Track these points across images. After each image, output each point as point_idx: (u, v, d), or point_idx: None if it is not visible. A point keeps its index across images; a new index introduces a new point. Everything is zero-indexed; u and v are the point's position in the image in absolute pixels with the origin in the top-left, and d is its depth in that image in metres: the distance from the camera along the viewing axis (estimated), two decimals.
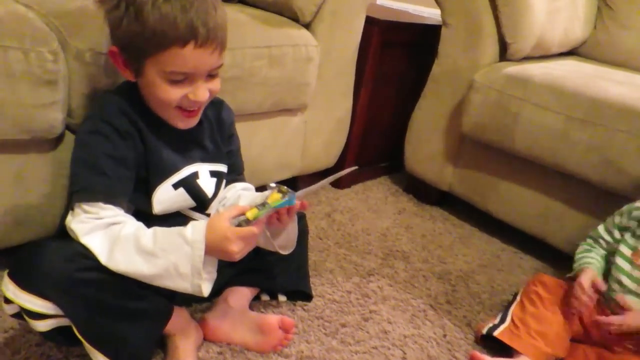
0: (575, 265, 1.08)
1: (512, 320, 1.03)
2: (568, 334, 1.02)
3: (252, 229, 0.78)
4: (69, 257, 0.73)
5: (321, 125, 1.45)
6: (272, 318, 0.95)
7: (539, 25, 1.41)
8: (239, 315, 0.97)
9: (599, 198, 1.25)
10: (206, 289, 0.77)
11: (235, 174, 1.01)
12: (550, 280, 1.08)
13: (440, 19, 1.51)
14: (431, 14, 1.66)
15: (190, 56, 0.76)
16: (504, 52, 1.44)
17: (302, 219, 1.05)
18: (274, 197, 0.82)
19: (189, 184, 0.90)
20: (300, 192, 0.84)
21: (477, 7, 1.40)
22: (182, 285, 0.76)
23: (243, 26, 1.15)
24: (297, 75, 1.26)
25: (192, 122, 0.87)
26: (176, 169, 0.88)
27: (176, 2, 0.74)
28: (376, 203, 1.61)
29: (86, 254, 0.75)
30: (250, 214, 0.78)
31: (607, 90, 1.22)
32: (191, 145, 0.91)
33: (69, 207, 0.80)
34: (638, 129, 1.14)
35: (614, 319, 0.95)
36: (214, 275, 0.79)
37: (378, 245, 1.36)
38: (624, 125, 1.15)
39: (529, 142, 1.30)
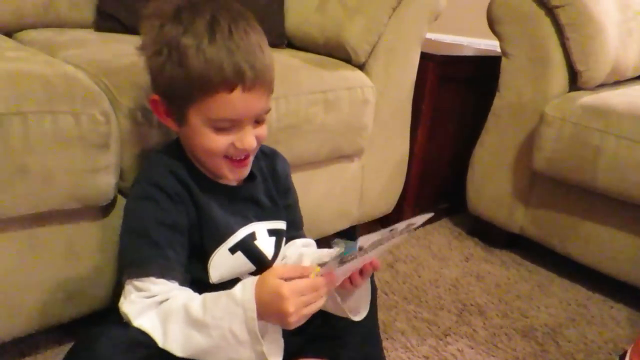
0: None
1: None
2: None
3: (315, 282, 0.67)
4: (126, 347, 0.65)
5: (379, 170, 1.36)
6: None
7: (613, 50, 1.29)
8: None
9: None
10: (273, 357, 0.67)
11: (294, 230, 0.93)
12: None
13: (498, 49, 1.42)
14: (487, 45, 1.57)
15: (237, 101, 0.69)
16: (574, 81, 1.33)
17: (371, 279, 0.94)
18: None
19: (247, 247, 0.81)
20: (364, 239, 0.71)
21: (542, 34, 1.30)
22: (245, 354, 0.66)
23: (296, 71, 1.09)
24: (353, 120, 1.18)
25: (243, 173, 0.79)
26: (232, 231, 0.80)
27: (222, 44, 0.68)
28: (440, 249, 1.48)
29: (144, 341, 0.66)
30: (313, 275, 0.67)
31: None
32: (246, 203, 0.83)
33: (120, 282, 0.72)
34: None
35: None
36: (280, 342, 0.69)
37: (450, 299, 1.24)
38: None
39: (614, 178, 1.16)
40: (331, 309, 0.81)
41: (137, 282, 0.70)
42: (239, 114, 0.71)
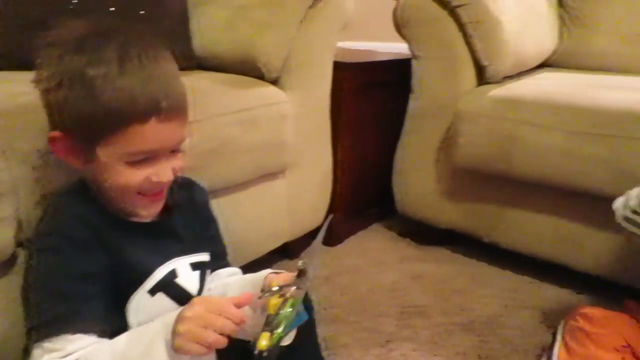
0: None
1: None
2: None
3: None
4: None
5: (305, 184, 1.34)
6: None
7: (513, 43, 1.35)
8: None
9: None
10: None
11: (218, 261, 0.88)
12: (593, 311, 0.96)
13: (408, 52, 1.45)
14: (398, 48, 1.60)
15: (152, 133, 0.65)
16: (481, 76, 1.38)
17: (307, 299, 0.91)
18: (272, 303, 0.66)
19: (168, 286, 0.76)
20: (303, 285, 0.69)
21: (447, 34, 1.34)
22: None
23: (208, 94, 1.05)
24: (273, 137, 1.16)
25: (157, 208, 0.75)
26: (150, 272, 0.74)
27: (133, 73, 0.63)
28: (375, 255, 1.49)
29: None
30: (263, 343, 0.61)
31: (606, 98, 1.16)
32: (164, 239, 0.78)
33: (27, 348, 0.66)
34: None
35: None
36: None
37: (389, 304, 1.24)
38: (633, 132, 1.08)
39: (530, 164, 1.21)
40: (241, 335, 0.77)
41: (48, 344, 0.63)
42: (155, 147, 0.67)
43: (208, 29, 1.26)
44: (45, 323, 0.64)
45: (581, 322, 0.95)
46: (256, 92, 1.14)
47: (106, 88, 0.62)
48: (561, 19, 1.70)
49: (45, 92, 0.66)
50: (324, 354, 0.98)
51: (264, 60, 1.17)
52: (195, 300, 0.65)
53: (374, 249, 1.52)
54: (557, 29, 1.69)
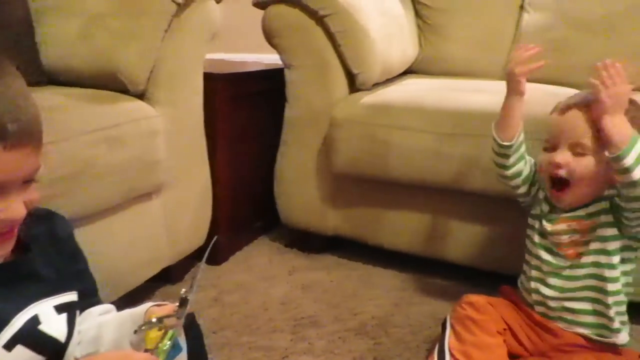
0: None
1: (453, 356, 0.95)
2: (507, 354, 0.97)
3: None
4: None
5: (183, 203, 1.26)
6: None
7: (380, 52, 1.41)
8: None
9: (486, 205, 1.25)
10: None
11: (88, 298, 0.78)
12: (477, 299, 1.01)
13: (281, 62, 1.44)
14: (270, 59, 1.58)
15: (1, 163, 0.56)
16: (353, 84, 1.41)
17: (193, 319, 0.84)
18: (151, 336, 0.62)
19: (29, 336, 0.65)
20: (181, 314, 0.64)
21: (317, 43, 1.36)
22: None
23: (65, 111, 0.94)
24: (143, 154, 1.07)
25: (8, 248, 0.64)
26: (5, 322, 0.63)
27: None
28: (263, 269, 1.45)
29: None
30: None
31: (468, 101, 1.25)
32: (21, 282, 0.67)
33: None
34: None
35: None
36: None
37: (282, 318, 1.21)
38: (490, 130, 1.17)
39: (404, 166, 1.27)
40: None
41: None
42: (2, 178, 0.57)
43: (58, 39, 1.14)
44: None
45: (467, 310, 0.99)
46: (120, 107, 1.05)
47: None
48: (419, 28, 1.81)
49: None
50: None
51: (127, 73, 1.08)
52: None
53: (261, 263, 1.48)
54: (417, 37, 1.80)
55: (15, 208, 0.59)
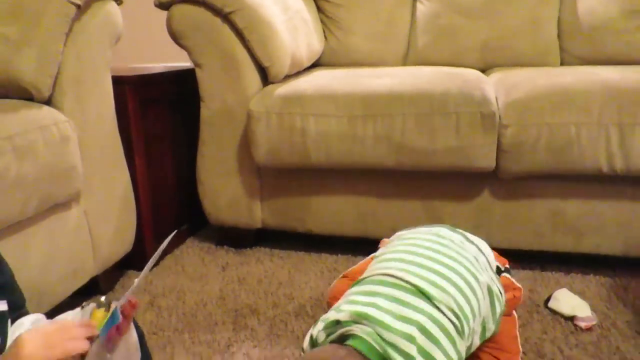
0: None
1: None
2: None
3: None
4: None
5: (104, 210, 1.23)
6: None
7: (288, 44, 1.45)
8: None
9: (402, 180, 1.33)
10: None
11: (17, 309, 0.76)
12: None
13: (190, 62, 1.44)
14: (180, 66, 1.58)
15: None
16: (264, 77, 1.44)
17: (135, 325, 0.84)
18: (96, 316, 0.64)
19: None
20: (128, 293, 0.67)
21: (225, 40, 1.37)
22: None
23: None
24: (56, 161, 1.03)
25: None
26: None
27: None
28: (195, 269, 1.44)
29: None
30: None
31: (373, 85, 1.32)
32: None
33: None
34: (411, 109, 1.25)
35: None
36: None
37: (221, 312, 1.21)
38: (398, 109, 1.25)
39: (322, 152, 1.31)
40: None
41: None
42: None
43: None
44: None
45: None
46: (26, 114, 1.01)
47: None
48: (323, 23, 1.88)
49: None
50: None
51: (29, 80, 1.04)
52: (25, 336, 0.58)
53: (192, 264, 1.47)
54: (321, 31, 1.86)
55: None
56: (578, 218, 1.27)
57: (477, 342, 0.88)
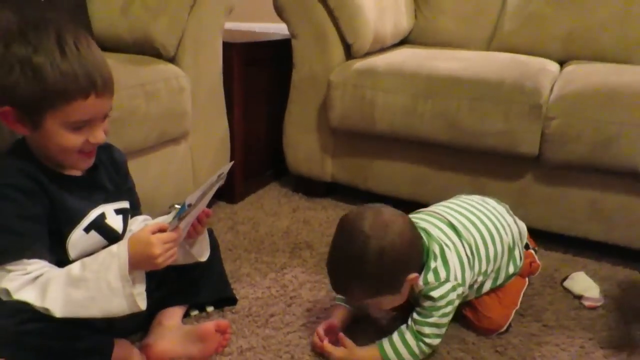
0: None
1: None
2: None
3: (172, 234, 0.87)
4: (8, 314, 0.77)
5: (205, 148, 1.55)
6: (207, 325, 1.03)
7: (372, 24, 1.65)
8: (176, 331, 1.05)
9: (454, 154, 1.50)
10: (142, 302, 0.84)
11: (135, 209, 1.08)
12: None
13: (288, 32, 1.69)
14: (277, 28, 1.84)
15: (91, 105, 0.84)
16: (348, 52, 1.66)
17: (210, 233, 1.15)
18: (175, 207, 0.91)
19: (99, 225, 0.95)
20: (191, 198, 0.90)
21: (318, 16, 1.60)
22: (117, 302, 0.82)
23: (114, 70, 1.20)
24: (173, 106, 1.35)
25: (91, 162, 0.93)
26: (84, 214, 0.93)
27: (73, 59, 0.80)
28: (272, 207, 1.74)
29: (23, 308, 0.79)
30: (170, 223, 0.87)
31: (438, 67, 1.48)
32: (92, 189, 0.97)
33: None
34: (467, 93, 1.40)
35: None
36: (144, 287, 0.86)
37: (284, 243, 1.50)
38: (456, 92, 1.41)
39: (386, 122, 1.52)
40: (181, 259, 1.00)
41: (11, 266, 0.81)
42: (93, 115, 0.85)
43: (105, 12, 1.42)
44: (6, 252, 0.82)
45: None
46: (155, 68, 1.32)
47: (53, 72, 0.79)
48: (415, 2, 2.03)
49: None
50: (231, 281, 1.22)
51: (160, 42, 1.36)
52: (136, 236, 0.86)
53: (270, 203, 1.77)
54: (412, 10, 2.02)
55: (99, 135, 0.88)
56: (613, 211, 1.36)
57: (487, 286, 1.12)
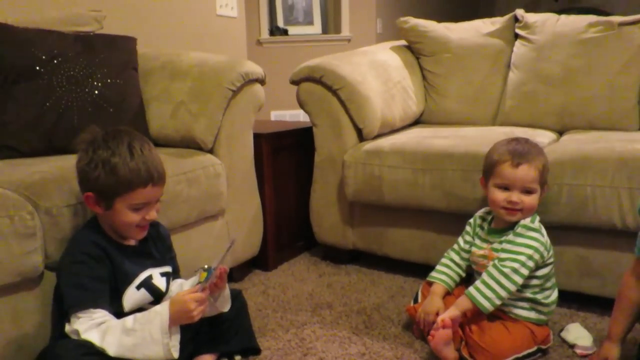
0: (433, 273, 1.50)
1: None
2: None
3: (201, 294, 1.11)
4: (75, 347, 1.03)
5: (239, 223, 1.82)
6: None
7: (379, 111, 1.92)
8: None
9: (454, 219, 1.68)
10: (175, 352, 1.08)
11: (175, 274, 1.35)
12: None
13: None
14: (306, 115, 2.15)
15: (149, 193, 1.15)
16: (361, 136, 1.92)
17: (239, 294, 1.39)
18: (202, 275, 1.17)
19: (147, 284, 1.22)
20: (214, 263, 1.17)
21: (333, 108, 1.89)
22: (156, 350, 1.06)
23: (163, 162, 1.53)
24: (211, 189, 1.64)
25: (145, 233, 1.23)
26: (136, 275, 1.21)
27: (139, 158, 1.13)
28: (300, 274, 1.95)
29: (86, 344, 1.04)
30: (200, 285, 1.12)
31: (433, 144, 1.71)
32: (143, 256, 1.25)
33: (65, 320, 1.10)
34: (458, 164, 1.61)
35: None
36: (178, 339, 1.10)
37: (307, 303, 1.70)
38: (449, 164, 1.63)
39: (393, 194, 1.74)
40: (208, 312, 1.24)
41: (81, 314, 1.09)
42: (149, 200, 1.17)
43: (158, 117, 1.77)
44: (78, 304, 1.09)
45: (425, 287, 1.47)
46: (196, 159, 1.63)
47: (123, 168, 1.12)
48: (425, 89, 2.30)
49: (83, 171, 1.15)
50: (257, 335, 1.43)
51: (200, 138, 1.68)
52: (175, 298, 1.12)
53: (299, 270, 1.99)
54: (423, 95, 2.29)
55: (153, 214, 1.19)
56: (602, 266, 1.48)
57: (529, 292, 1.35)
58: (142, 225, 1.19)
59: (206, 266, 1.17)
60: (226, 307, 1.27)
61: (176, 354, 1.08)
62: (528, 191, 1.32)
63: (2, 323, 1.15)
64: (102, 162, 1.12)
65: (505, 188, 1.34)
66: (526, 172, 1.31)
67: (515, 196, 1.32)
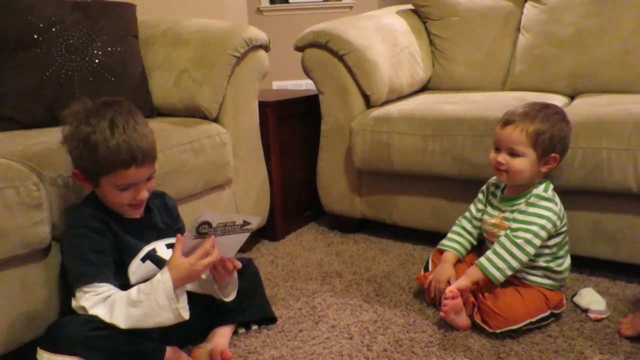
0: (444, 241, 1.48)
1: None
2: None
3: (201, 251, 1.09)
4: (82, 323, 1.02)
5: (247, 192, 1.79)
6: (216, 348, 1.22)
7: (387, 77, 1.87)
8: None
9: (465, 186, 1.65)
10: (185, 313, 1.07)
11: None
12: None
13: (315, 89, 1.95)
14: (308, 84, 2.09)
15: (132, 174, 1.10)
16: (368, 102, 1.88)
17: (250, 262, 1.37)
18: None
19: (152, 257, 1.20)
20: (208, 215, 1.09)
21: (339, 74, 1.84)
22: (166, 316, 1.05)
23: (168, 131, 1.50)
24: (217, 158, 1.61)
25: (140, 212, 1.21)
26: (140, 248, 1.19)
27: (120, 136, 1.07)
28: (309, 243, 1.94)
29: (93, 320, 1.03)
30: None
31: (443, 109, 1.67)
32: (147, 229, 1.23)
33: (71, 294, 1.08)
34: (469, 130, 1.58)
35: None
36: (185, 300, 1.09)
37: (316, 272, 1.69)
38: (459, 130, 1.59)
39: (402, 161, 1.71)
40: (207, 290, 1.23)
41: (86, 288, 1.07)
42: (134, 181, 1.12)
43: (161, 86, 1.73)
44: (82, 278, 1.07)
45: (435, 255, 1.45)
46: (202, 128, 1.60)
47: (102, 148, 1.07)
48: (432, 53, 2.25)
49: (68, 147, 1.11)
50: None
51: (205, 107, 1.64)
52: (173, 262, 1.08)
53: (307, 240, 1.97)
54: (430, 61, 2.23)
55: (142, 194, 1.14)
56: (615, 230, 1.46)
57: (542, 261, 1.33)
58: (133, 204, 1.15)
59: (203, 219, 1.10)
60: (230, 297, 1.26)
61: (186, 315, 1.07)
62: (513, 153, 1.29)
63: (12, 295, 1.14)
64: (83, 140, 1.08)
65: (498, 148, 1.33)
66: (510, 132, 1.28)
67: (501, 157, 1.31)
